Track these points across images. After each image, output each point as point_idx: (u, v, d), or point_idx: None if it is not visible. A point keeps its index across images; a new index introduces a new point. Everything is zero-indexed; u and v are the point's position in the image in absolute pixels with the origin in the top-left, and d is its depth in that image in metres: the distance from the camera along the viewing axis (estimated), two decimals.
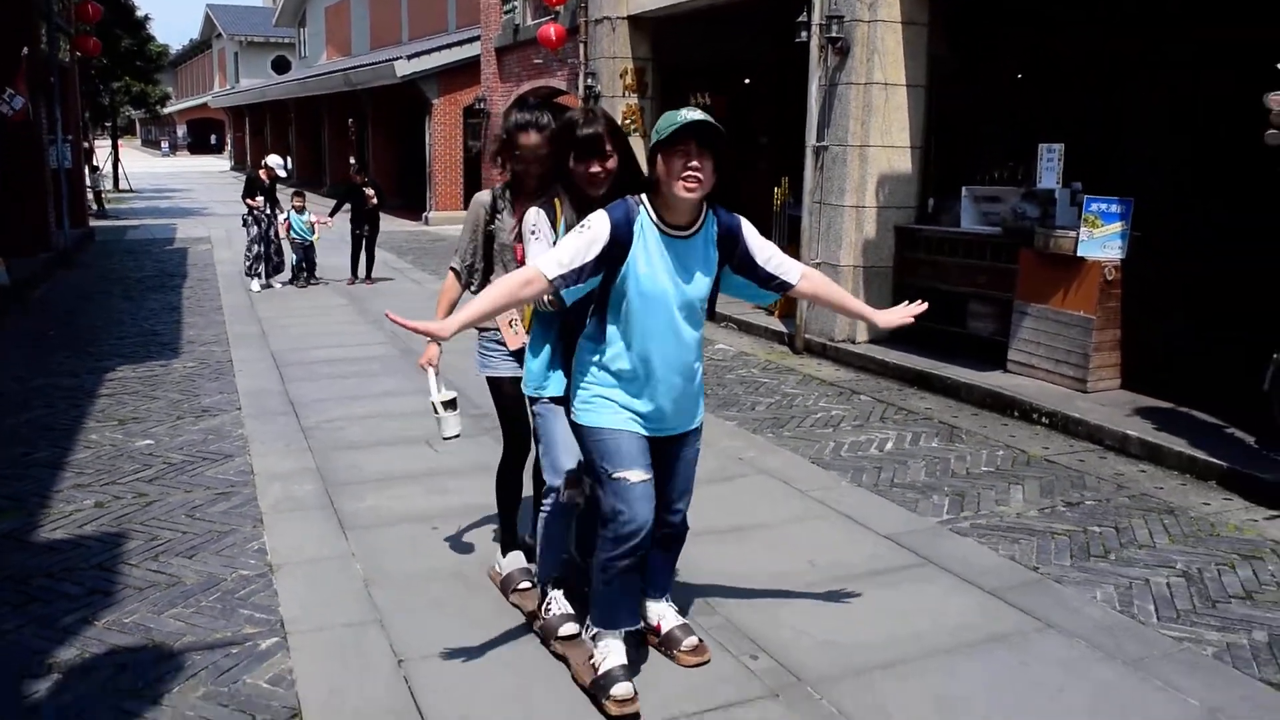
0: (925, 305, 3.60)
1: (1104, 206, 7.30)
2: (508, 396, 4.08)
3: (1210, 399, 6.87)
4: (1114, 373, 7.45)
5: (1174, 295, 7.46)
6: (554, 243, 3.49)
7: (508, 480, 4.25)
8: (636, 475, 3.25)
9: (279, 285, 12.91)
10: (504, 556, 4.26)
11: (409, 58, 20.84)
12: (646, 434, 3.34)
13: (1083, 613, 4.13)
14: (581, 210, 3.43)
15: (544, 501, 3.75)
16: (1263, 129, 5.73)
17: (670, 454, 3.46)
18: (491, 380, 4.11)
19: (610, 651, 3.37)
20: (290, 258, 13.14)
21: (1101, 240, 7.31)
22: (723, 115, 16.47)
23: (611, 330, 3.29)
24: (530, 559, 4.15)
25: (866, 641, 3.82)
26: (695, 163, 3.13)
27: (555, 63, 15.59)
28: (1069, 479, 5.85)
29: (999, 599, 4.22)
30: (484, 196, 4.11)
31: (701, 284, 3.32)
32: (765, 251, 3.43)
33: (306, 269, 13.17)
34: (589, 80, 13.41)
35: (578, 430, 3.39)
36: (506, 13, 17.35)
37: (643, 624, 3.65)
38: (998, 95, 10.40)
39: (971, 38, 9.60)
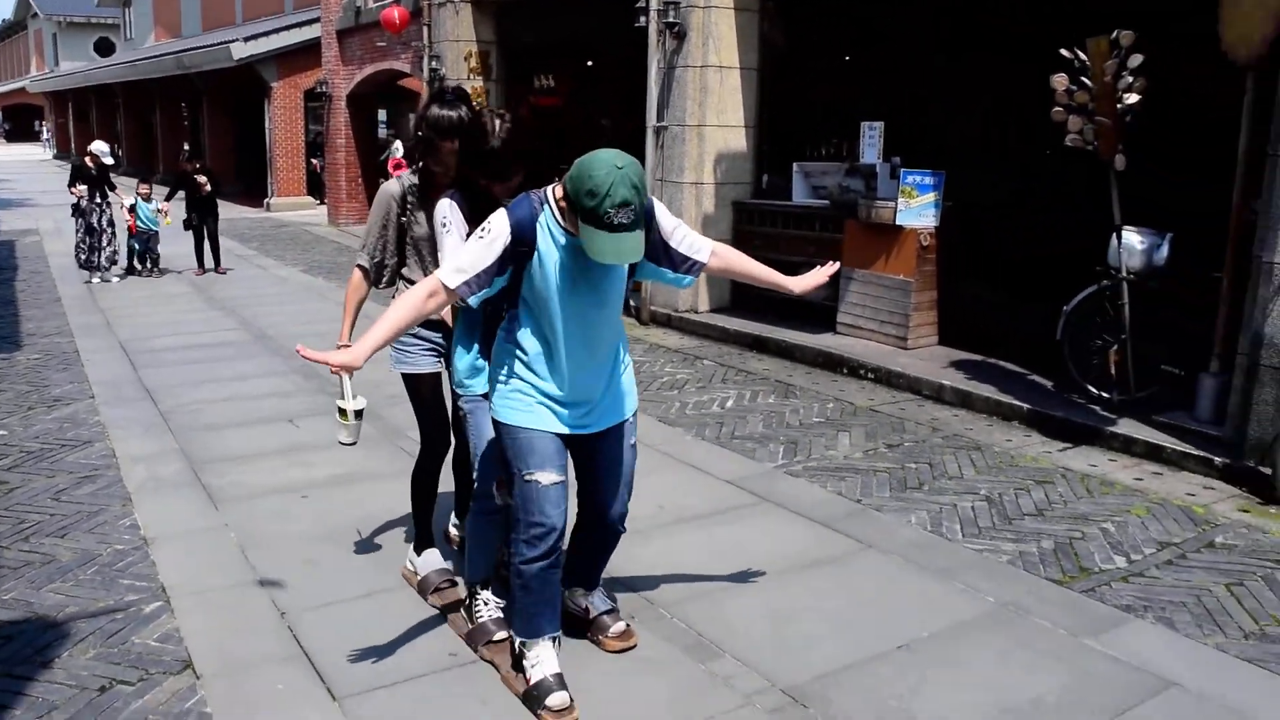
0: (837, 265, 3.68)
1: (919, 179, 7.97)
2: (426, 393, 3.98)
3: (1015, 351, 7.65)
4: (931, 330, 8.18)
5: (980, 258, 8.23)
6: (466, 234, 3.40)
7: (424, 480, 4.13)
8: (548, 477, 3.17)
9: (115, 280, 12.45)
10: (418, 555, 4.17)
11: (246, 40, 20.36)
12: (569, 431, 3.26)
13: (899, 535, 4.70)
14: (476, 210, 3.40)
15: (474, 503, 3.68)
16: (1050, 107, 6.43)
17: (601, 451, 3.37)
18: (409, 377, 3.97)
19: (540, 659, 3.30)
20: (128, 247, 12.83)
21: (918, 210, 7.99)
22: (567, 97, 16.84)
23: (525, 326, 3.20)
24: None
25: (711, 569, 4.27)
26: None
27: (399, 45, 15.59)
28: (890, 425, 6.49)
29: (827, 527, 4.75)
30: (393, 188, 3.91)
31: (615, 279, 3.19)
32: (678, 233, 3.30)
33: (151, 259, 12.89)
34: (433, 63, 13.52)
35: (495, 426, 3.30)
36: None
37: (571, 607, 3.64)
38: (826, 77, 11.07)
39: (800, 23, 10.20)
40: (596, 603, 3.69)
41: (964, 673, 3.51)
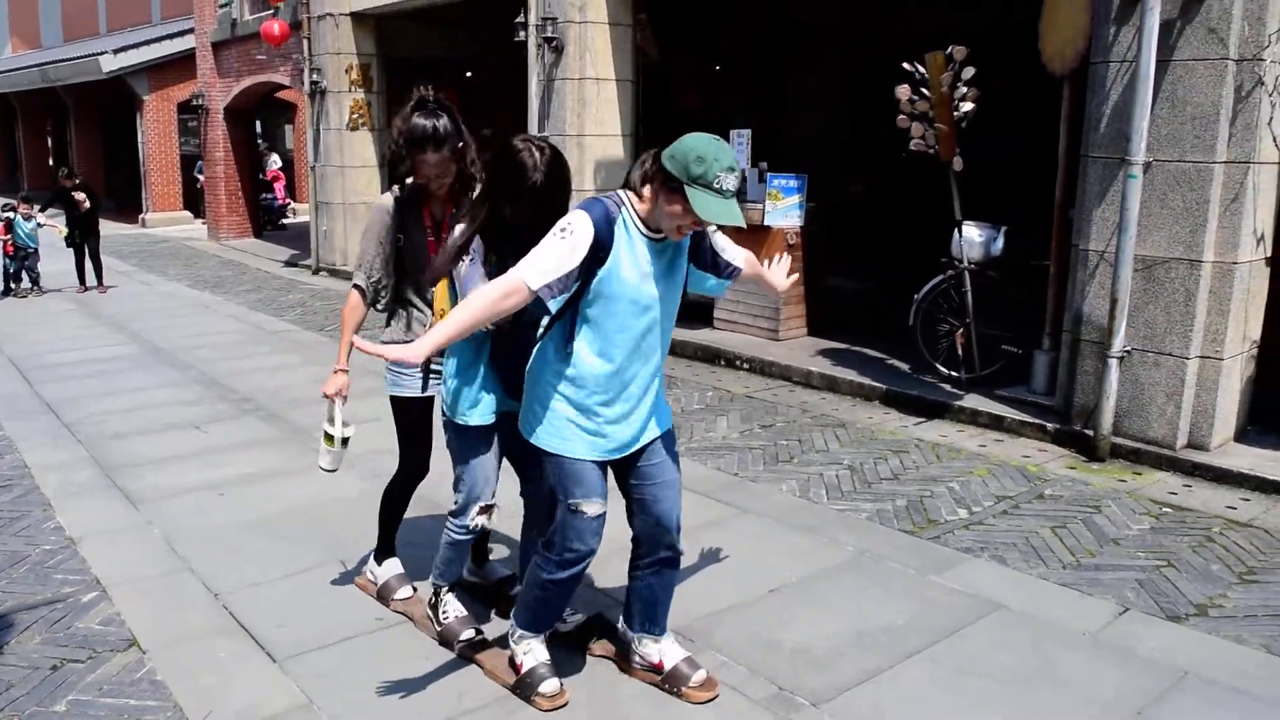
0: (789, 257, 3.75)
1: (784, 182, 8.63)
2: (414, 417, 3.91)
3: (875, 337, 8.37)
4: (800, 322, 8.86)
5: (841, 254, 8.95)
6: (486, 261, 3.33)
7: (397, 499, 4.12)
8: (594, 508, 3.16)
9: None
10: (379, 565, 4.20)
11: (115, 52, 20.05)
12: (615, 458, 3.22)
13: (771, 500, 5.29)
14: (498, 240, 3.31)
15: (451, 520, 3.65)
16: (895, 115, 7.13)
17: (651, 463, 3.29)
18: (402, 400, 3.88)
19: (532, 649, 3.40)
20: (3, 268, 12.64)
21: (784, 210, 8.64)
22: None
23: (585, 340, 3.08)
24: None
25: (608, 537, 4.75)
26: (699, 228, 3.07)
27: (279, 58, 15.68)
28: (764, 408, 7.10)
29: (708, 497, 5.30)
30: (386, 202, 3.80)
31: (678, 287, 3.20)
32: (721, 240, 3.33)
33: (31, 278, 12.74)
34: (314, 76, 13.70)
35: (540, 452, 3.21)
36: (222, 6, 17.15)
37: (638, 662, 3.55)
38: (698, 87, 11.72)
39: (671, 36, 10.79)
40: (669, 651, 3.50)
41: (826, 608, 4.09)
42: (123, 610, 4.12)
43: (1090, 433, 6.13)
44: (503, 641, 3.59)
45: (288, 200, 21.60)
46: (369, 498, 5.19)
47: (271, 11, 14.82)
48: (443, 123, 3.60)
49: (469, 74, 15.28)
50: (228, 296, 12.55)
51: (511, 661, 3.48)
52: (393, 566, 4.18)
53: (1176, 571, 4.47)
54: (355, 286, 3.85)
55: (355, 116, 13.71)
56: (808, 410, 7.07)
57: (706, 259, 3.30)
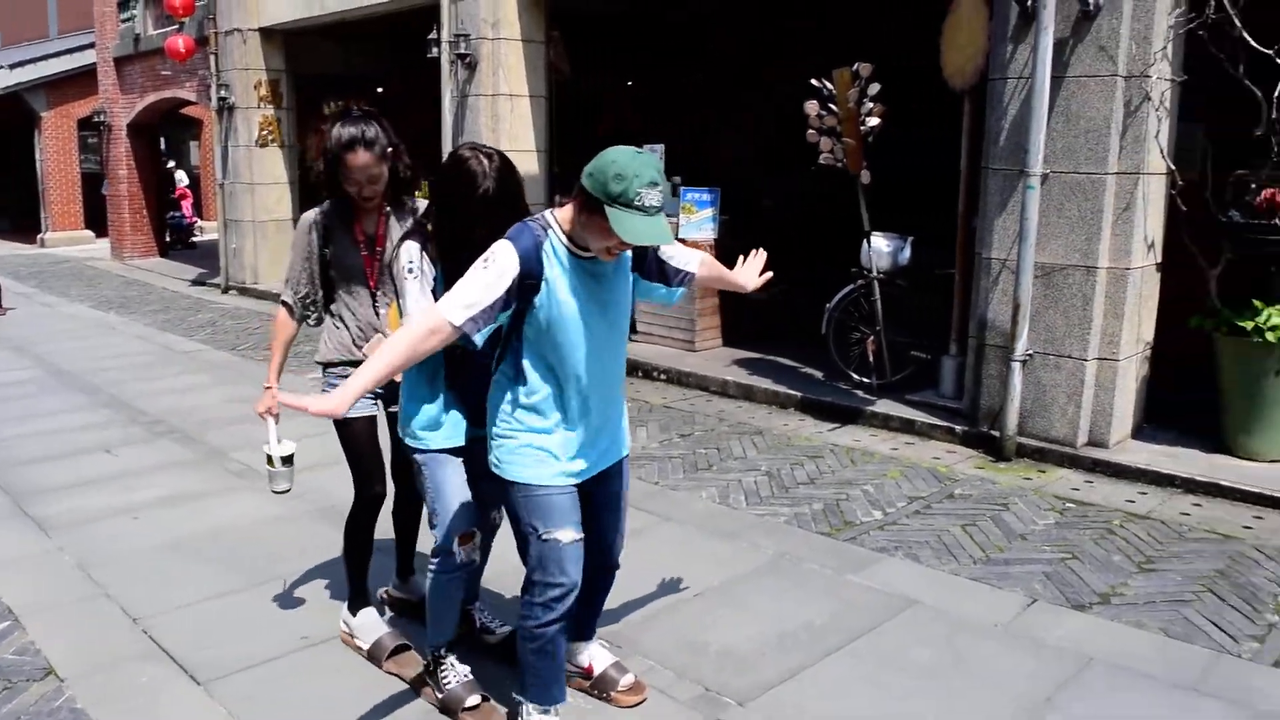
0: (764, 253, 3.73)
1: (698, 196, 8.78)
2: (362, 441, 3.72)
3: (789, 346, 8.55)
4: (715, 333, 9.01)
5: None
6: (434, 278, 3.25)
7: (359, 534, 3.85)
8: (568, 535, 3.01)
9: None
10: (354, 616, 3.91)
11: (11, 67, 19.48)
12: (582, 481, 3.10)
13: (692, 507, 5.39)
14: (447, 255, 3.21)
15: (433, 560, 3.38)
16: (805, 129, 7.32)
17: (601, 490, 3.23)
18: (340, 423, 3.67)
19: None
20: None
21: (698, 223, 8.79)
22: None
23: (531, 367, 2.99)
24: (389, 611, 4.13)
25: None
26: (625, 249, 2.92)
27: (184, 74, 15.39)
28: (682, 418, 7.22)
29: (631, 506, 5.31)
30: (312, 216, 3.68)
31: (624, 302, 3.10)
32: (668, 249, 3.20)
33: None
34: (222, 92, 13.48)
35: (504, 484, 3.07)
36: (125, 21, 16.77)
37: (571, 668, 3.47)
38: (611, 101, 11.84)
39: (584, 53, 10.89)
40: (599, 656, 3.54)
41: (748, 610, 4.19)
42: (37, 639, 4.03)
43: (996, 434, 6.36)
44: (511, 707, 3.31)
45: (195, 219, 21.14)
46: (286, 520, 5.19)
47: (176, 27, 14.55)
48: (371, 127, 3.50)
49: (380, 90, 15.18)
50: (134, 317, 12.26)
51: None
52: (371, 618, 3.88)
53: (1080, 563, 4.68)
54: (282, 303, 3.77)
55: (265, 133, 13.53)
56: (725, 419, 7.20)
57: (652, 269, 3.20)
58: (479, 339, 2.85)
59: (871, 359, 7.45)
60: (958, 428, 6.65)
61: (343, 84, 15.67)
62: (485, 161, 3.15)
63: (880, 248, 7.47)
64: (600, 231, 2.79)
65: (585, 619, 3.50)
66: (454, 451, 3.37)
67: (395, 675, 3.69)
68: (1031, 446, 6.25)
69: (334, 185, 3.59)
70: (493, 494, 3.31)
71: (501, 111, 9.85)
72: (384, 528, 3.96)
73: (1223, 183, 6.08)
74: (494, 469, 3.09)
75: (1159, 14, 5.80)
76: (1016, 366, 6.22)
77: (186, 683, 3.68)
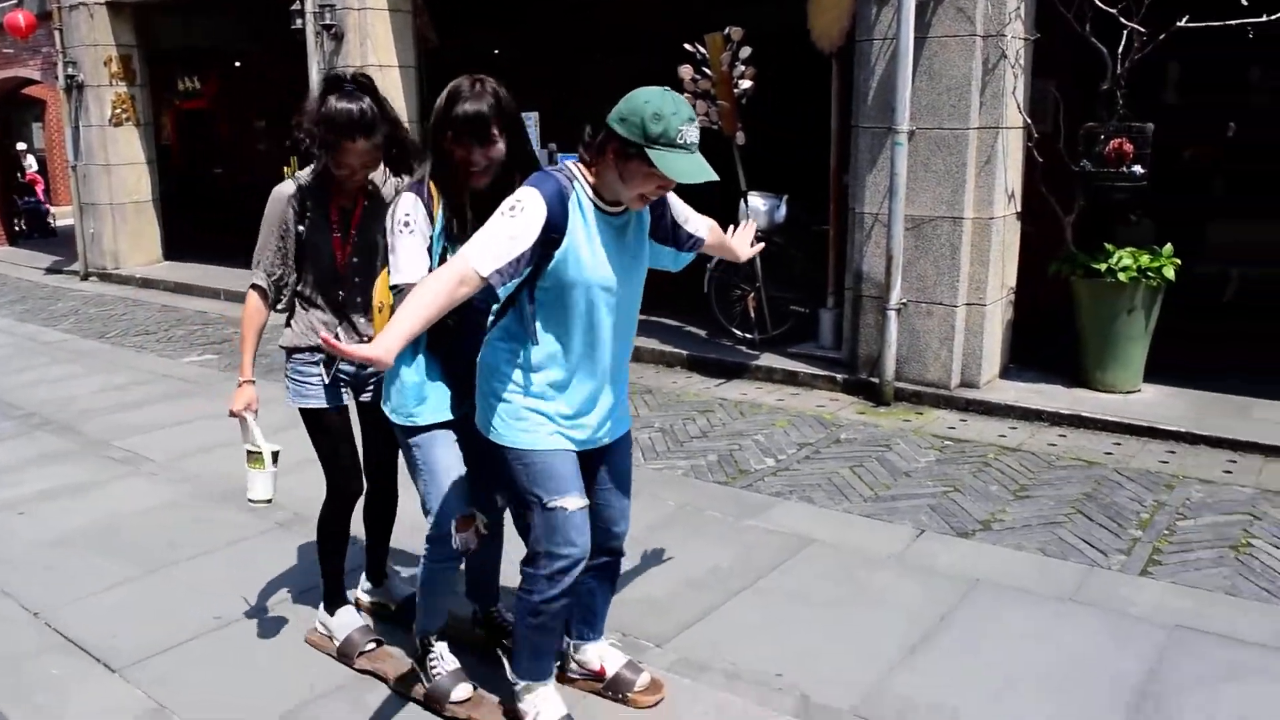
0: (754, 226, 3.56)
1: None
2: (336, 433, 3.48)
3: (673, 307, 8.71)
4: None
5: None
6: (431, 236, 3.01)
7: (334, 530, 3.62)
8: (574, 502, 2.83)
9: None
10: (332, 616, 3.68)
11: None
12: (577, 449, 2.90)
13: None
14: (455, 202, 3.01)
15: (429, 548, 3.20)
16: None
17: (605, 465, 3.05)
18: (311, 413, 3.46)
19: (544, 705, 3.02)
20: None
21: None
22: (213, 100, 16.42)
23: (542, 327, 2.79)
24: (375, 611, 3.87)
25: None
26: (666, 191, 2.78)
27: (27, 51, 14.60)
28: None
29: None
30: (287, 189, 3.36)
31: (643, 262, 2.94)
32: (684, 211, 3.08)
33: None
34: (69, 69, 12.84)
35: (501, 451, 2.86)
36: None
37: (575, 671, 3.36)
38: (484, 70, 11.73)
39: (452, 22, 10.78)
40: (610, 656, 3.34)
41: (658, 560, 4.34)
42: None
43: (876, 380, 6.66)
44: (504, 695, 3.22)
45: (47, 204, 20.11)
46: (179, 506, 5.13)
47: (15, 2, 13.78)
48: (367, 105, 3.13)
49: (237, 64, 14.72)
50: None
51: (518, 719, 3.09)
52: (349, 617, 3.67)
53: (961, 495, 4.99)
54: (254, 287, 3.40)
55: (119, 111, 12.96)
56: None
57: (667, 231, 3.03)
58: (502, 293, 2.68)
59: (753, 315, 7.68)
60: (839, 376, 6.93)
61: (199, 58, 15.17)
62: (476, 84, 3.00)
63: (757, 206, 7.69)
64: (639, 178, 2.64)
65: (591, 616, 3.31)
66: (444, 426, 3.13)
67: (370, 673, 3.51)
68: (909, 390, 6.58)
69: (321, 161, 3.27)
70: (497, 470, 3.04)
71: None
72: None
73: (1075, 135, 6.47)
74: (488, 435, 2.89)
75: None
76: (892, 315, 6.52)
77: (101, 671, 3.63)
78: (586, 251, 2.73)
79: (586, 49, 11.66)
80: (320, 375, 3.42)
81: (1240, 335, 6.97)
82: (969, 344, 6.52)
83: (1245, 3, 5.67)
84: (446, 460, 3.11)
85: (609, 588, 3.30)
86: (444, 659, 3.29)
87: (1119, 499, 4.91)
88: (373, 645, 3.59)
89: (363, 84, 3.18)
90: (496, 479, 3.10)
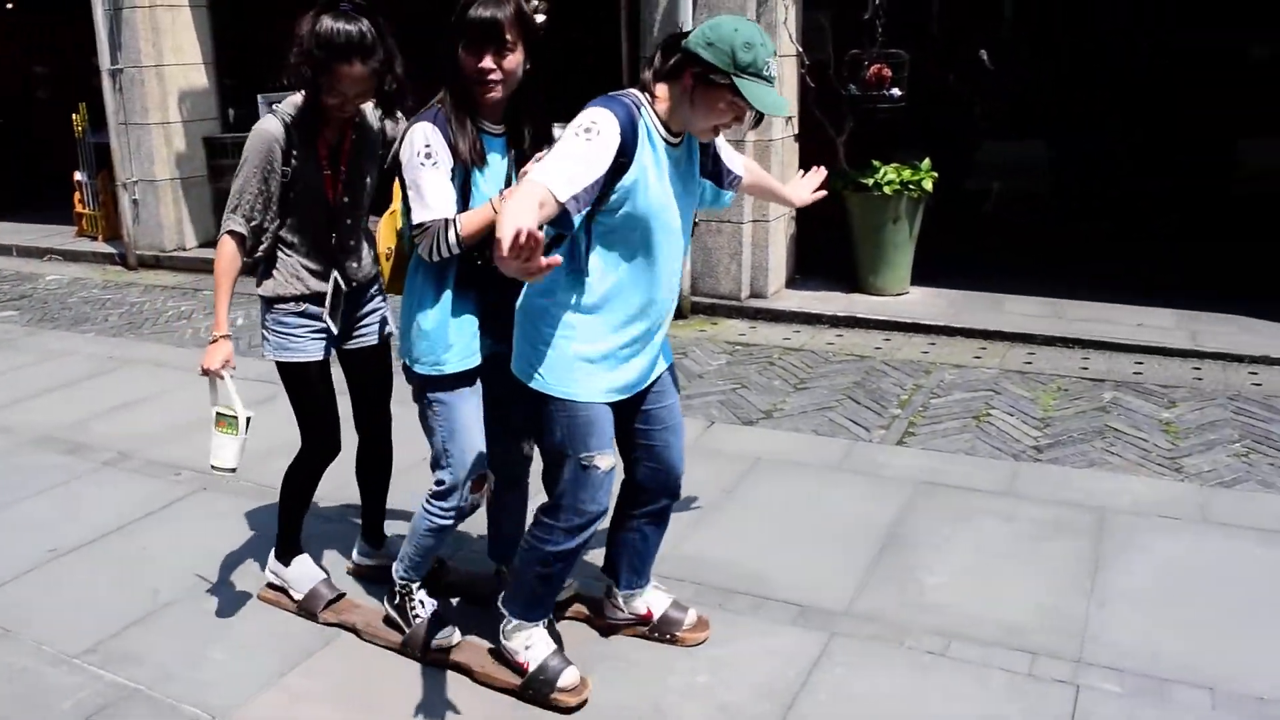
0: (825, 171, 3.37)
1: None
2: (317, 386, 3.26)
3: None
4: None
5: None
6: (453, 169, 2.75)
7: (303, 482, 3.43)
8: (608, 461, 2.75)
9: None
10: (287, 566, 3.50)
11: None
12: (629, 396, 2.80)
13: None
14: (469, 123, 2.75)
15: (436, 503, 3.03)
16: None
17: (659, 404, 2.92)
18: (293, 366, 3.22)
19: (535, 640, 2.96)
20: None
21: None
22: None
23: (599, 265, 2.61)
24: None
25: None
26: (739, 124, 2.62)
27: None
28: None
29: None
30: (273, 127, 3.04)
31: (695, 196, 2.82)
32: (726, 147, 2.96)
33: None
34: None
35: (542, 400, 2.68)
36: None
37: (621, 617, 3.26)
38: (285, 13, 11.50)
39: None
40: (655, 599, 3.23)
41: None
42: None
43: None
44: (488, 637, 3.15)
45: None
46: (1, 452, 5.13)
47: None
48: (367, 26, 2.88)
49: (10, 5, 13.88)
50: None
51: (506, 658, 3.01)
52: (304, 566, 3.50)
53: (748, 390, 5.57)
54: (231, 233, 3.08)
55: None
56: None
57: (709, 166, 2.88)
58: (577, 220, 2.43)
59: None
60: None
61: None
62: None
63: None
64: (717, 108, 2.52)
65: (641, 564, 3.20)
66: (470, 376, 2.96)
67: (338, 625, 3.37)
68: (705, 304, 7.13)
69: (312, 91, 2.99)
70: (525, 419, 2.89)
71: (161, 23, 9.44)
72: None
73: (841, 62, 7.07)
74: (529, 383, 2.69)
75: None
76: None
77: (50, 656, 3.38)
78: (654, 180, 2.59)
79: None
80: (306, 327, 3.19)
81: (998, 240, 7.85)
82: (756, 258, 7.10)
83: None
84: (468, 417, 2.95)
85: (662, 533, 3.20)
86: (425, 604, 3.19)
87: (883, 385, 5.59)
88: (338, 597, 3.47)
89: (360, 7, 2.94)
90: (525, 427, 2.99)
